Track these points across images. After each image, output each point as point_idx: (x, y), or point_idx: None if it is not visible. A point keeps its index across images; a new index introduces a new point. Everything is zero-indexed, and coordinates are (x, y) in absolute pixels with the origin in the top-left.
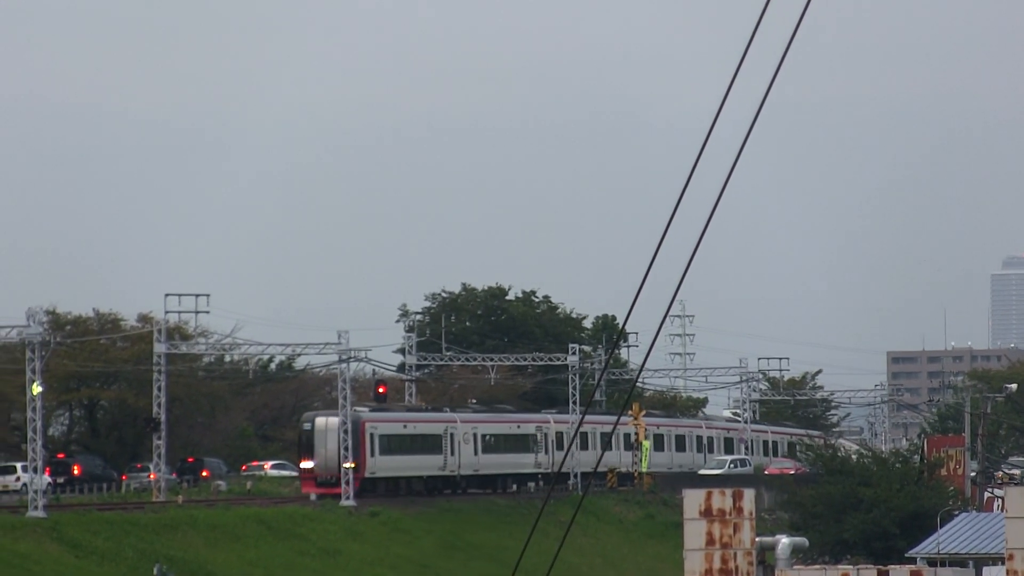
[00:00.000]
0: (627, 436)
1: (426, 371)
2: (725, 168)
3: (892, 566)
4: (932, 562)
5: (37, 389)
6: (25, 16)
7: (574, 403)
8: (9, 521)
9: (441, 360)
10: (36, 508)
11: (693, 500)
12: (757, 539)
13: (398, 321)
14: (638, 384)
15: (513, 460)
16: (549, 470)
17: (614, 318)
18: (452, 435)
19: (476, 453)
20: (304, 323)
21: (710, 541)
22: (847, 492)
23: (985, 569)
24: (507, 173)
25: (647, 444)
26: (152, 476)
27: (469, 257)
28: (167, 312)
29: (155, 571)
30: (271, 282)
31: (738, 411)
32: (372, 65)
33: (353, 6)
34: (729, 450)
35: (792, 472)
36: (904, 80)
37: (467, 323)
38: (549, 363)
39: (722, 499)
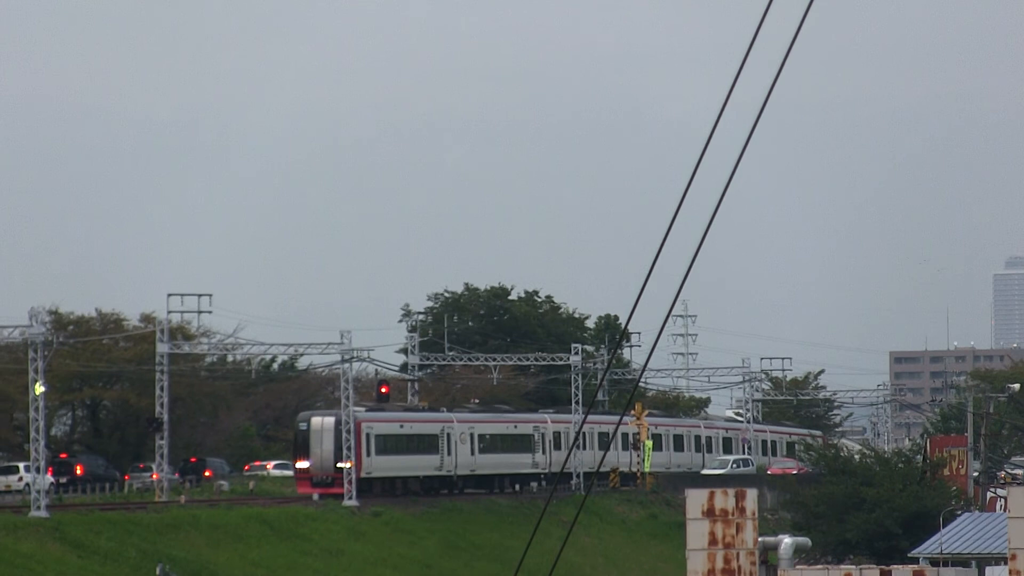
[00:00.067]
0: (625, 436)
1: (428, 371)
2: (728, 168)
3: (895, 566)
4: (935, 562)
5: (40, 389)
6: (26, 17)
7: (577, 403)
8: (12, 521)
9: (444, 360)
10: (39, 508)
11: (696, 500)
12: (760, 539)
13: (400, 321)
14: (640, 384)
15: (510, 460)
16: (546, 470)
17: (616, 318)
18: (449, 435)
19: (473, 453)
20: (306, 323)
21: (713, 541)
22: (850, 492)
23: (988, 569)
24: (509, 173)
25: (649, 444)
26: (155, 476)
27: (472, 257)
28: (169, 312)
29: (158, 571)
30: (273, 282)
31: (740, 411)
32: (374, 65)
33: (355, 7)
34: (728, 450)
35: (795, 472)
36: (906, 80)
37: (469, 323)
38: (551, 363)
39: (725, 499)
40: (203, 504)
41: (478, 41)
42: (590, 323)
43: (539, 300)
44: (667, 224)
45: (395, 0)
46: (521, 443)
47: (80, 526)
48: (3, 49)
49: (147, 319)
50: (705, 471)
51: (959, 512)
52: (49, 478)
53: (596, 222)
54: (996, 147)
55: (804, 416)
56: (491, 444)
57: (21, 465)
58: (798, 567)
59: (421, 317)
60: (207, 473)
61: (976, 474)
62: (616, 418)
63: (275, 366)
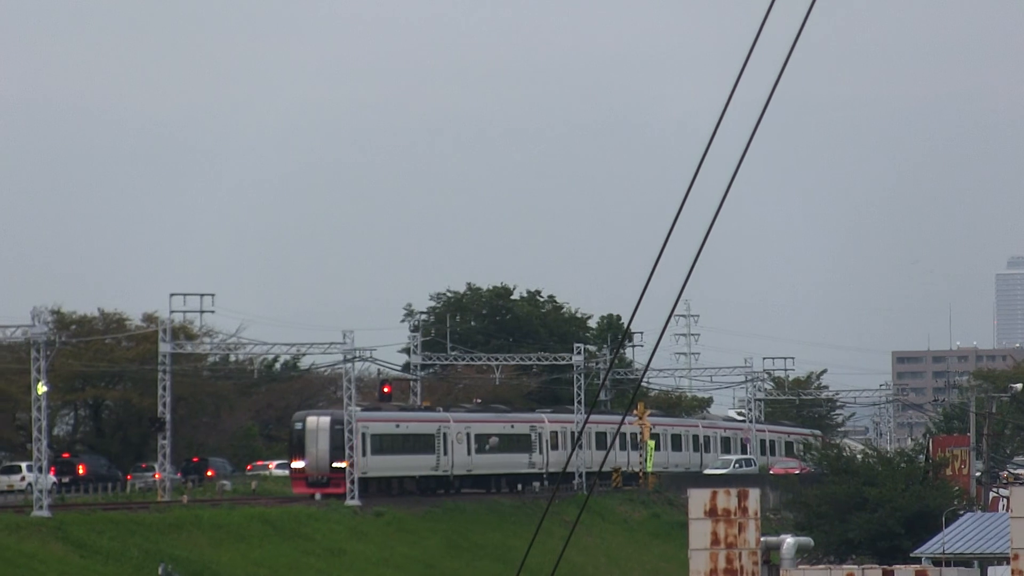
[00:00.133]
0: (623, 436)
1: (431, 371)
2: (730, 168)
3: (897, 566)
4: (937, 562)
5: (42, 389)
6: (26, 17)
7: (579, 403)
8: (14, 521)
9: (446, 360)
10: (41, 508)
11: (698, 500)
12: (762, 539)
13: (403, 321)
14: (643, 384)
15: (507, 460)
16: (543, 470)
17: (619, 318)
18: (445, 435)
19: (469, 453)
20: (309, 323)
21: (715, 541)
22: (852, 492)
23: (990, 569)
24: (511, 173)
25: (652, 444)
26: (157, 476)
27: (474, 257)
28: (172, 312)
29: (160, 571)
30: (276, 282)
31: (742, 411)
32: (376, 66)
33: (356, 7)
34: (727, 450)
35: (797, 472)
36: (908, 80)
37: (472, 323)
38: (554, 363)
39: (727, 499)
40: (205, 504)
41: (478, 41)
42: (592, 323)
43: (541, 300)
44: (670, 224)
45: (398, 3)
46: (518, 443)
47: (82, 526)
48: (3, 49)
49: (150, 319)
50: (707, 471)
51: (961, 512)
52: (51, 478)
53: (598, 222)
54: (998, 147)
55: (806, 416)
56: (488, 444)
57: (24, 465)
58: (800, 567)
59: (423, 317)
60: (209, 473)
61: (978, 474)
62: (614, 418)
63: (277, 366)
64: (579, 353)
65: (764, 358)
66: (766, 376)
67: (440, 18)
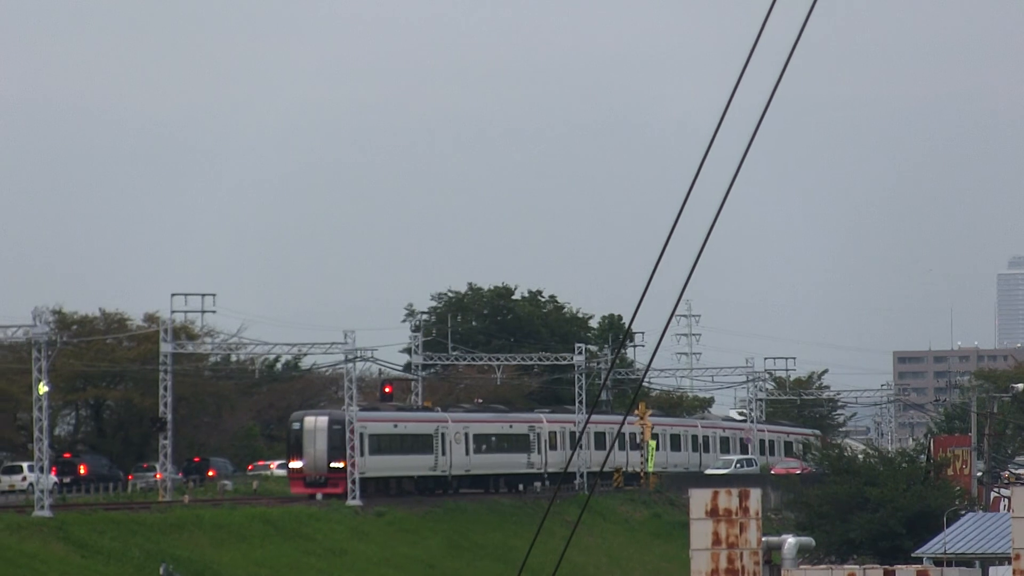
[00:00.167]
0: (623, 436)
1: (432, 371)
2: (731, 168)
3: (898, 566)
4: (938, 562)
5: (43, 389)
6: (27, 18)
7: (580, 403)
8: (15, 521)
9: (447, 360)
10: (42, 508)
11: (699, 500)
12: (763, 539)
13: (404, 321)
14: (644, 384)
15: (505, 460)
16: (542, 470)
17: (620, 318)
18: (443, 435)
19: (468, 453)
20: (310, 323)
21: (716, 541)
22: (853, 492)
23: (992, 569)
24: (511, 173)
25: (653, 444)
26: (158, 476)
27: (474, 257)
28: (173, 312)
29: (161, 571)
30: (276, 282)
31: (743, 411)
32: (376, 66)
33: (357, 7)
34: (726, 449)
35: (798, 472)
36: (908, 79)
37: (473, 323)
38: (555, 363)
39: (728, 499)
40: (207, 504)
41: (478, 41)
42: (594, 323)
43: (543, 300)
44: (670, 224)
45: (395, 0)
46: (516, 443)
47: (84, 526)
48: (3, 49)
49: (151, 319)
50: (709, 471)
51: (963, 512)
52: (53, 478)
53: (598, 222)
54: (1000, 147)
55: (808, 416)
56: (486, 444)
57: (25, 465)
58: (802, 567)
59: (425, 317)
60: (211, 473)
61: (980, 474)
62: (614, 418)
63: (279, 366)
64: (580, 353)
65: (765, 358)
66: (767, 376)
67: (440, 18)
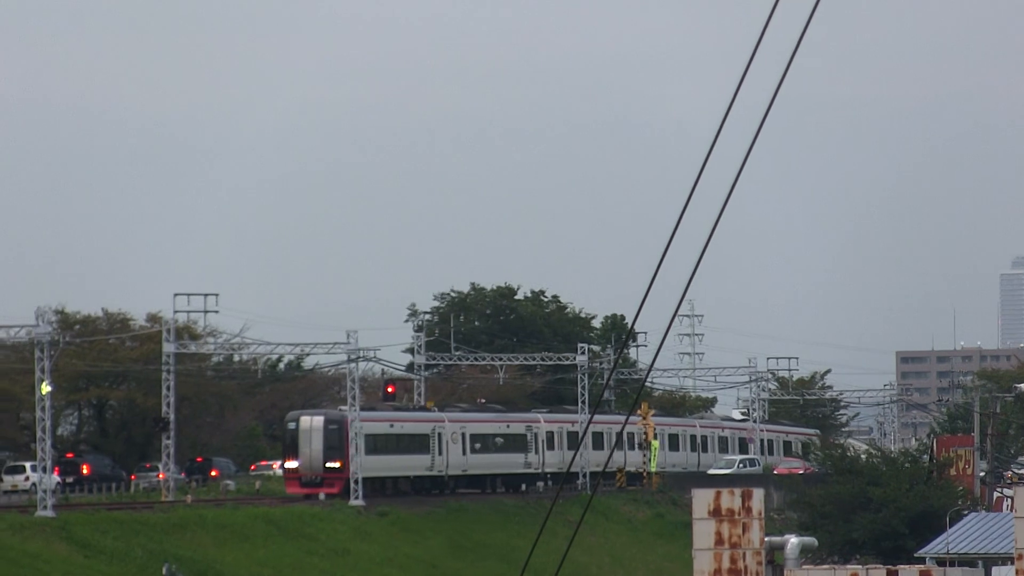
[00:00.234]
0: (620, 435)
1: (435, 371)
2: (733, 168)
3: (901, 566)
4: (941, 562)
5: (46, 389)
6: (27, 18)
7: (583, 403)
8: (18, 521)
9: (450, 360)
10: (45, 508)
11: (702, 500)
12: (766, 539)
13: (407, 321)
14: (647, 384)
15: (502, 460)
16: (539, 470)
17: (623, 318)
18: (440, 435)
19: (464, 453)
20: (313, 323)
21: (719, 541)
22: (856, 492)
23: (994, 569)
24: (515, 173)
25: (656, 444)
26: (161, 476)
27: (478, 257)
28: (176, 312)
29: (164, 571)
30: (280, 282)
31: (746, 411)
32: (376, 66)
33: (357, 7)
34: (724, 449)
35: (801, 472)
36: (912, 80)
37: (476, 323)
38: (558, 363)
39: (731, 499)
40: (209, 504)
41: (479, 41)
42: (596, 323)
43: (545, 300)
44: (671, 224)
45: (395, 0)
46: (514, 443)
47: (86, 526)
48: (3, 49)
49: (153, 319)
50: (711, 471)
51: (966, 512)
52: (55, 478)
53: (598, 222)
54: (1003, 147)
55: (810, 416)
56: (483, 444)
57: (27, 465)
58: (804, 567)
59: (427, 317)
60: (213, 473)
61: (983, 474)
62: (613, 418)
63: (281, 366)
64: (583, 353)
65: (768, 358)
66: (770, 376)
67: (440, 18)
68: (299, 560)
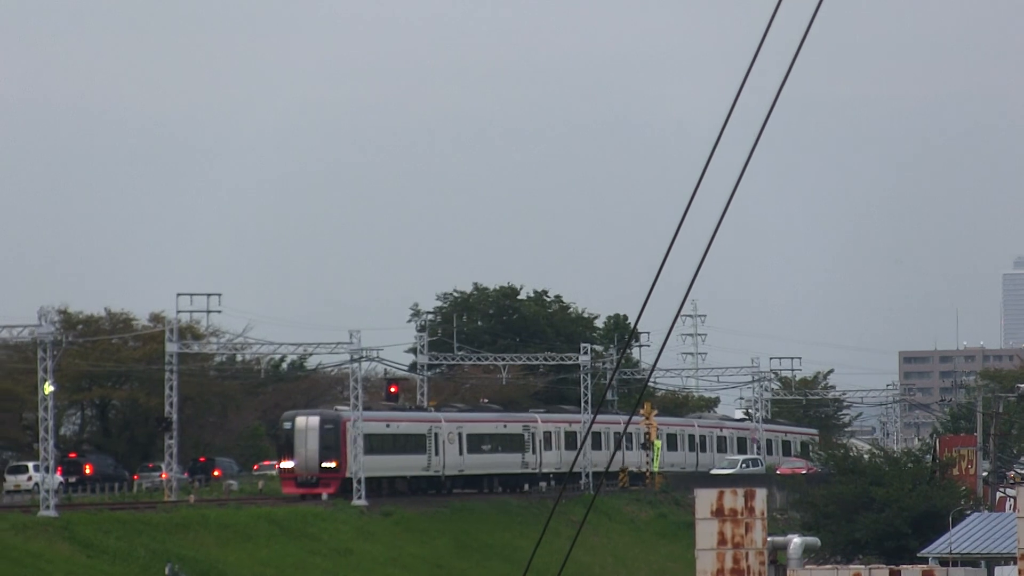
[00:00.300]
0: (615, 435)
1: (438, 371)
2: (736, 168)
3: (904, 566)
4: (944, 562)
5: (49, 388)
6: (28, 18)
7: (586, 403)
8: (21, 520)
9: (453, 360)
10: (48, 507)
11: (705, 500)
12: (769, 539)
13: (410, 321)
14: (650, 384)
15: (499, 460)
16: (536, 470)
17: (626, 318)
18: (436, 435)
19: (461, 453)
20: (316, 323)
21: (722, 541)
22: (859, 492)
23: (997, 569)
24: (515, 173)
25: (659, 444)
26: (164, 475)
27: (481, 257)
28: (179, 312)
29: (167, 570)
30: (282, 282)
31: (749, 410)
32: (376, 66)
33: (357, 7)
34: (723, 449)
35: (804, 472)
36: (914, 79)
37: (479, 323)
38: (561, 363)
39: (734, 499)
40: (212, 504)
41: (479, 41)
42: (599, 323)
43: (548, 300)
44: (672, 224)
45: (395, 0)
46: (511, 443)
47: (89, 526)
48: (3, 49)
49: (156, 319)
50: (714, 471)
51: (968, 512)
52: (58, 477)
53: (599, 222)
54: (1006, 146)
55: (813, 416)
56: (480, 444)
57: (30, 464)
58: (807, 567)
59: (430, 317)
60: (216, 473)
61: (985, 474)
62: (613, 418)
63: (284, 366)
64: (586, 353)
65: (771, 358)
66: (773, 376)
67: (440, 18)
68: (302, 560)
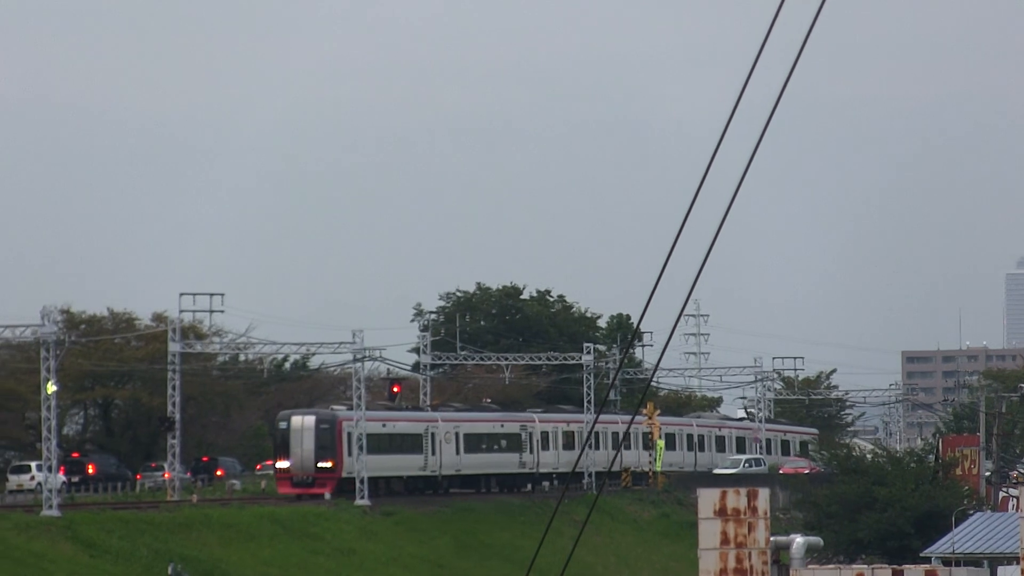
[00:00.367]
0: (615, 435)
1: (440, 371)
2: (739, 168)
3: (907, 566)
4: (947, 562)
5: (52, 388)
6: (28, 19)
7: (589, 403)
8: (24, 520)
9: (456, 359)
10: (50, 507)
11: (708, 499)
12: (772, 538)
13: (413, 320)
14: (653, 384)
15: (496, 460)
16: (533, 470)
17: (628, 317)
18: (433, 434)
19: (458, 453)
20: (318, 322)
21: (725, 540)
22: (862, 492)
23: (1000, 569)
24: (520, 173)
25: (661, 443)
26: (166, 475)
27: (484, 257)
28: (182, 311)
29: (169, 570)
30: (281, 282)
31: (750, 410)
32: (376, 66)
33: (357, 7)
34: (722, 448)
35: (807, 471)
36: (912, 78)
37: (482, 322)
38: (563, 362)
39: (737, 498)
40: (215, 503)
41: (478, 41)
42: (602, 322)
43: (551, 299)
44: (679, 223)
45: (395, 0)
46: (508, 443)
47: (92, 525)
48: (3, 49)
49: (159, 318)
50: (717, 470)
51: (971, 512)
52: (61, 477)
53: (599, 222)
54: (1008, 146)
55: (816, 416)
56: (477, 444)
57: (33, 464)
58: (810, 566)
59: (433, 316)
60: (219, 472)
61: (988, 474)
62: (613, 418)
63: (287, 365)
64: (589, 353)
65: (774, 358)
66: (776, 376)
67: (440, 18)
68: (305, 560)
